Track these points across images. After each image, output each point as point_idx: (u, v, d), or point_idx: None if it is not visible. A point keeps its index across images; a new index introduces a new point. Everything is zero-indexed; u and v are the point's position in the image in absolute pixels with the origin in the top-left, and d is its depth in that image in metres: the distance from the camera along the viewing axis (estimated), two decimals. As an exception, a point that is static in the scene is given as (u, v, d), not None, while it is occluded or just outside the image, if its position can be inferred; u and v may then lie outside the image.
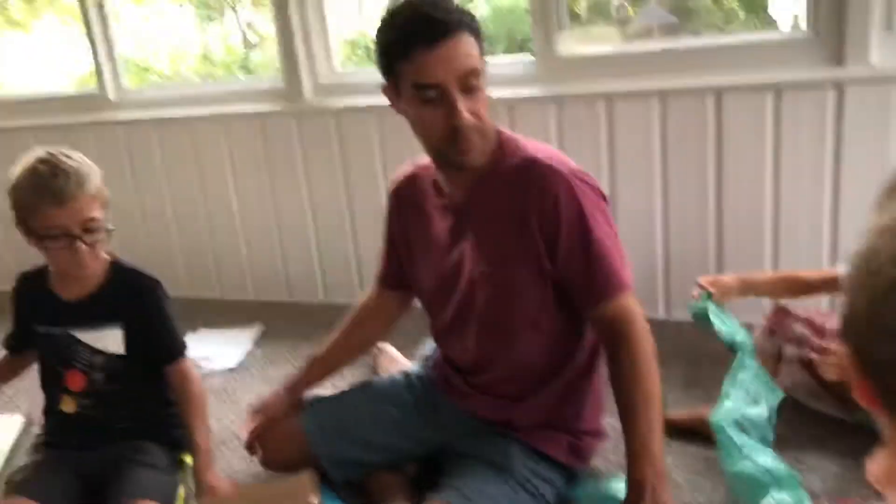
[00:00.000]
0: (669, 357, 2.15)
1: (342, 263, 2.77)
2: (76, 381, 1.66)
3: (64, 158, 1.55)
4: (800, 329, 1.77)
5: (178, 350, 1.70)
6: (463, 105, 1.30)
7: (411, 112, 1.38)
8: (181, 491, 1.66)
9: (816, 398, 1.78)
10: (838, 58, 2.01)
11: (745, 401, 1.57)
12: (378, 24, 1.39)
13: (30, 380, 1.81)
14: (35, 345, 1.72)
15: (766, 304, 1.92)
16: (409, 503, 1.61)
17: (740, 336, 1.67)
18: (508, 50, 3.32)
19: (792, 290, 1.82)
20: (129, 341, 1.65)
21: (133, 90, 3.02)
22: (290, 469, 1.75)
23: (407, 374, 1.74)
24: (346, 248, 2.75)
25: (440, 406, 1.63)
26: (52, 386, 1.70)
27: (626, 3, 3.25)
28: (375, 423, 1.65)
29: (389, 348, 2.14)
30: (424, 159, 1.57)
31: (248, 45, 4.85)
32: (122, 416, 1.68)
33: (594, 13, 3.18)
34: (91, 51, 2.92)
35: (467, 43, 1.31)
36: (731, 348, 1.66)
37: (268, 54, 4.33)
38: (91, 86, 3.03)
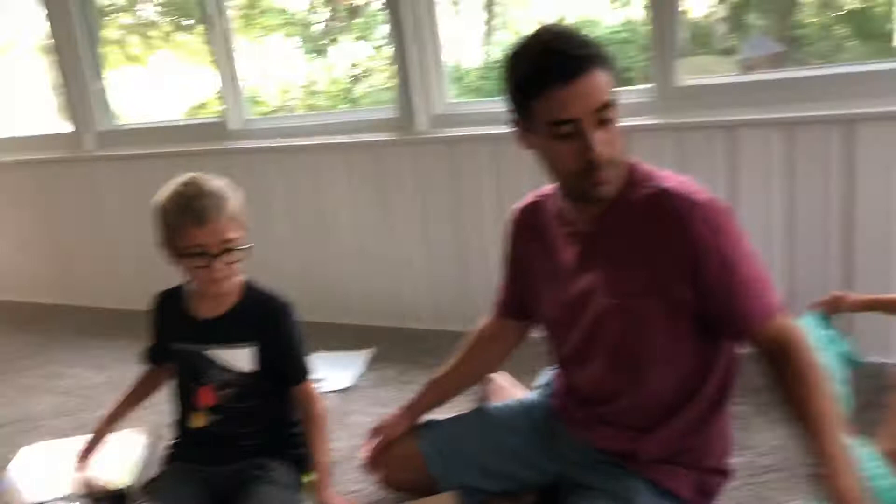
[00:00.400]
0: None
1: (452, 290, 2.80)
2: (207, 397, 1.72)
3: (206, 182, 1.64)
4: None
5: (306, 371, 1.76)
6: (598, 138, 1.30)
7: (543, 147, 1.38)
8: (303, 510, 1.70)
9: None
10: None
11: None
12: (505, 59, 1.38)
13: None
14: (171, 359, 1.81)
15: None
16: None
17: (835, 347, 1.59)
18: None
19: None
20: (260, 360, 1.71)
21: (253, 120, 3.16)
22: (407, 490, 1.78)
23: (524, 403, 1.73)
24: (457, 276, 2.78)
25: (559, 436, 1.61)
26: (184, 401, 1.78)
27: (730, 34, 3.20)
28: (493, 450, 1.65)
29: (500, 376, 2.14)
30: (546, 188, 1.58)
31: (352, 77, 5.00)
32: (249, 434, 1.73)
33: (697, 44, 3.14)
34: (216, 83, 3.09)
35: (601, 77, 1.30)
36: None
37: (371, 85, 4.46)
38: (213, 115, 3.20)
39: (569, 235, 1.49)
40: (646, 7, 2.30)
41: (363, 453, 1.79)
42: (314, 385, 1.78)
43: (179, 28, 4.41)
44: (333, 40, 4.99)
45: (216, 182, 1.65)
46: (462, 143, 2.63)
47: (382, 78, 4.42)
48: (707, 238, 1.31)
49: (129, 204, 3.37)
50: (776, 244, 2.22)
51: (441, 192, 2.71)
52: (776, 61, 3.00)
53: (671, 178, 1.40)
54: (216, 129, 3.15)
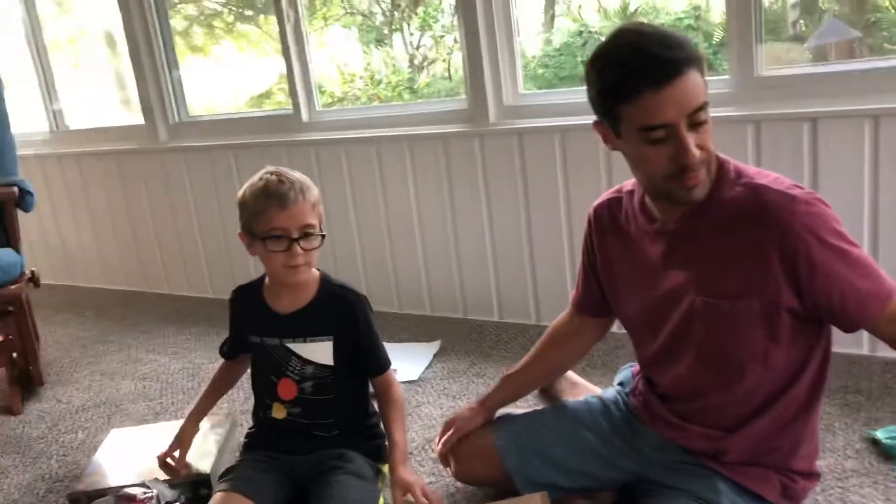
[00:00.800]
0: (882, 394, 2.02)
1: (518, 284, 2.79)
2: (288, 389, 1.76)
3: (289, 172, 1.69)
4: None
5: (385, 363, 1.79)
6: (691, 141, 1.26)
7: (632, 151, 1.34)
8: (382, 500, 1.72)
9: None
10: None
11: None
12: (591, 60, 1.33)
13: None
14: (247, 351, 1.85)
15: None
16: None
17: None
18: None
19: None
20: (338, 353, 1.74)
21: (323, 111, 3.19)
22: (477, 483, 1.79)
23: (602, 400, 1.72)
24: (523, 269, 2.77)
25: (640, 434, 1.59)
26: (264, 393, 1.82)
27: (802, 20, 3.09)
28: (571, 446, 1.64)
29: (571, 373, 2.12)
30: (627, 183, 1.55)
31: (414, 67, 5.01)
32: (328, 424, 1.77)
33: (766, 31, 3.05)
34: (281, 73, 3.13)
35: (695, 78, 1.25)
36: None
37: (433, 76, 4.45)
38: (280, 107, 3.25)
39: (655, 233, 1.45)
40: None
41: (436, 445, 1.80)
42: (392, 373, 1.82)
43: (241, 19, 4.47)
44: (396, 30, 5.01)
45: (297, 173, 1.70)
46: (533, 135, 2.61)
47: (443, 68, 4.42)
48: (814, 237, 1.27)
49: (203, 194, 3.45)
50: (864, 239, 2.15)
51: (509, 185, 2.69)
52: (850, 49, 2.88)
53: (763, 174, 1.36)
54: (288, 121, 3.19)
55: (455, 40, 3.96)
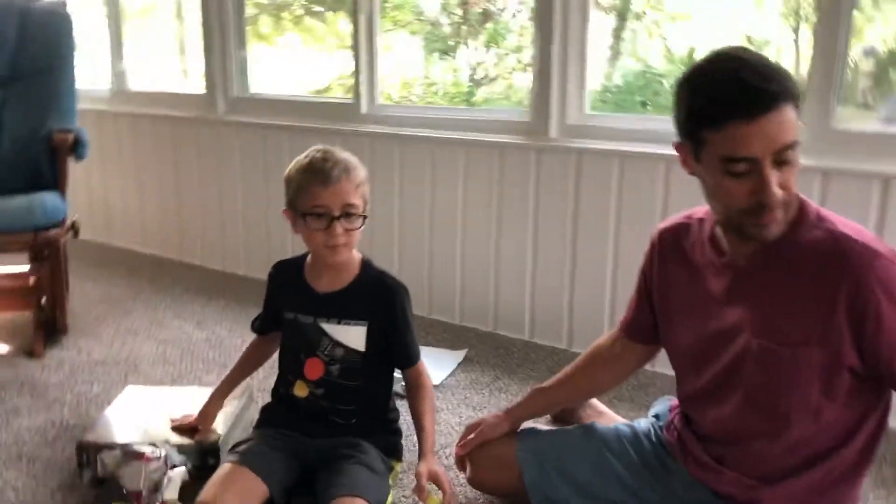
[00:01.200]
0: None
1: (554, 306, 2.73)
2: (315, 369, 1.73)
3: (336, 151, 1.68)
4: None
5: (416, 355, 1.77)
6: (775, 179, 1.20)
7: (710, 179, 1.28)
8: (390, 498, 1.67)
9: None
10: None
11: None
12: (686, 80, 1.28)
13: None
14: (279, 329, 1.82)
15: None
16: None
17: None
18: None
19: None
20: (371, 340, 1.71)
21: (383, 105, 3.18)
22: (490, 492, 1.74)
23: (633, 429, 1.66)
24: (562, 292, 2.71)
25: (671, 470, 1.53)
26: (289, 370, 1.78)
27: (869, 91, 3.04)
28: (596, 470, 1.58)
29: (596, 401, 2.06)
30: (699, 210, 1.50)
31: (474, 81, 5.00)
32: (348, 412, 1.73)
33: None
34: (345, 68, 3.12)
35: (788, 114, 1.18)
36: None
37: (492, 92, 4.44)
38: (347, 96, 3.25)
39: (721, 266, 1.39)
40: (814, 44, 2.20)
41: (456, 449, 1.76)
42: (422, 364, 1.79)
43: (309, 13, 4.51)
44: (461, 42, 5.01)
45: (345, 153, 1.69)
46: (592, 156, 2.56)
47: (504, 85, 4.40)
48: (885, 289, 1.21)
49: (252, 172, 3.45)
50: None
51: (560, 203, 2.65)
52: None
53: (844, 222, 1.30)
54: (347, 110, 3.18)
55: (518, 61, 3.95)
